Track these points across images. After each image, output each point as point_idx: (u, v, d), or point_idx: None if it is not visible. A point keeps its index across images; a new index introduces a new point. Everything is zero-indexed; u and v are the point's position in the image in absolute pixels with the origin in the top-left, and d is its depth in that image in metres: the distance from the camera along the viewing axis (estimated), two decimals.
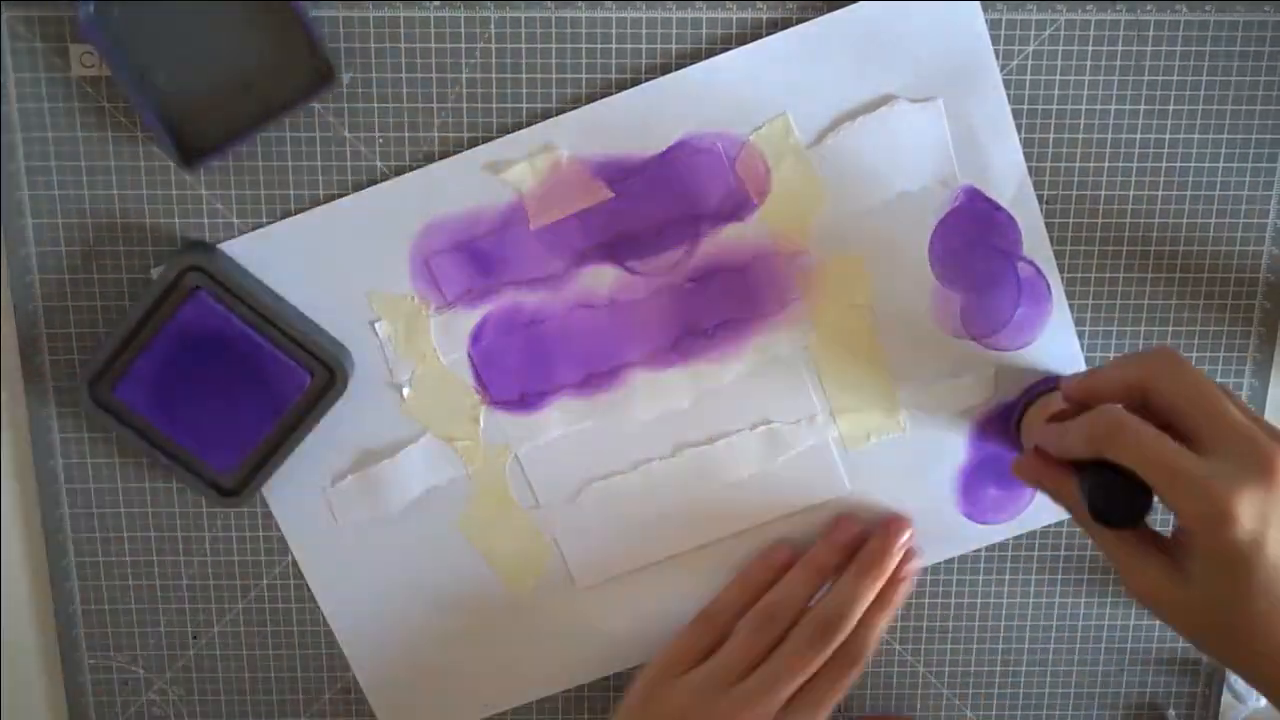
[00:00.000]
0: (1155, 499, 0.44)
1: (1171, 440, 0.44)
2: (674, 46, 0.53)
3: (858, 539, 0.58)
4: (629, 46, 0.53)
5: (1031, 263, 0.56)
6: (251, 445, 0.55)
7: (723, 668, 0.55)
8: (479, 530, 0.58)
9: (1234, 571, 0.43)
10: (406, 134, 0.54)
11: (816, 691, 0.54)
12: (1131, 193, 0.55)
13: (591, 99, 0.53)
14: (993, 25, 0.53)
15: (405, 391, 0.56)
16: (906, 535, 0.57)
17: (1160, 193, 0.55)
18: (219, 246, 0.54)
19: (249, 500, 0.56)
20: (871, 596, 0.56)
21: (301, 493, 0.57)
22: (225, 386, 0.54)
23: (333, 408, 0.54)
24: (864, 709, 0.62)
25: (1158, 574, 0.45)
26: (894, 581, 0.57)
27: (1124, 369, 0.47)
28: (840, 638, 0.54)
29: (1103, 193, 0.55)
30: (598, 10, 0.53)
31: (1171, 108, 0.54)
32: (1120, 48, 0.54)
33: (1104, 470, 0.45)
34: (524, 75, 0.53)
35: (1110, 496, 0.45)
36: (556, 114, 0.53)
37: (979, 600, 0.61)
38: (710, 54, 0.53)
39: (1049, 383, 0.56)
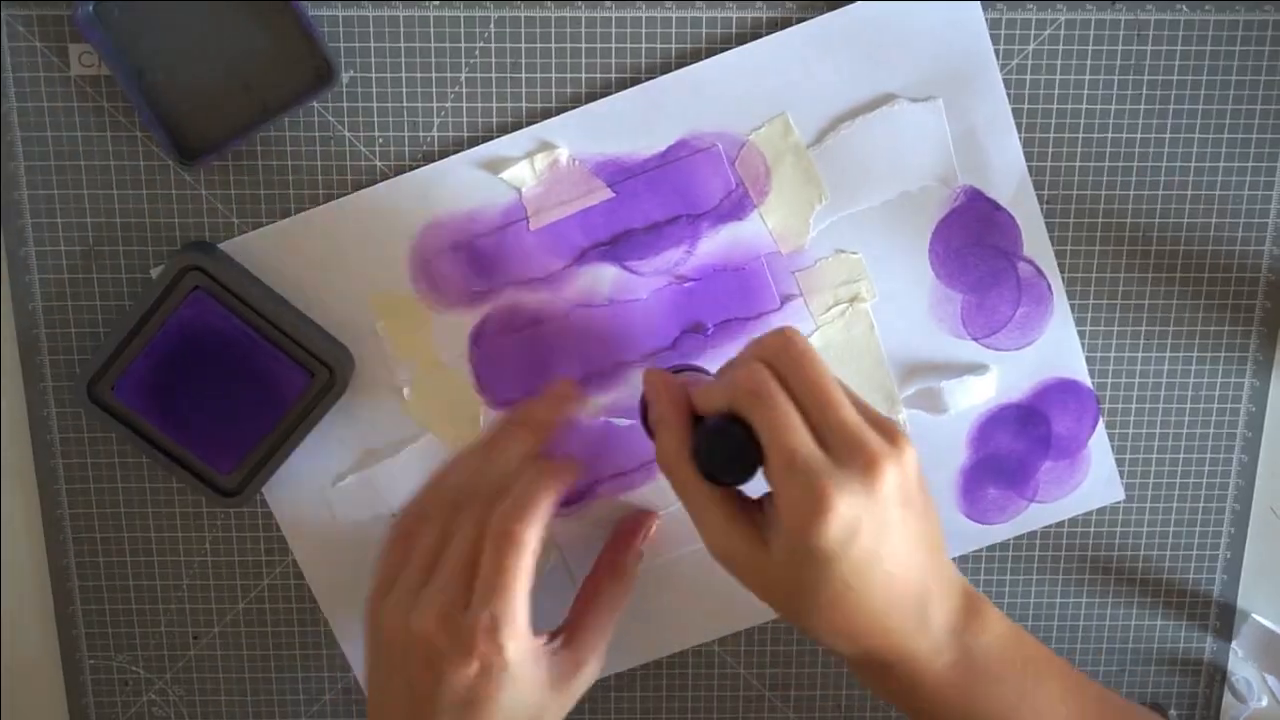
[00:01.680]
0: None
1: (804, 426, 0.44)
2: (674, 46, 0.53)
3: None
4: (629, 46, 0.53)
5: (1032, 262, 0.56)
6: (251, 445, 0.55)
7: (413, 573, 0.50)
8: None
9: (814, 561, 0.44)
10: (406, 133, 0.54)
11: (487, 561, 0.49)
12: (1132, 192, 0.55)
13: (591, 98, 0.53)
14: (993, 25, 0.53)
15: (405, 392, 0.56)
16: (561, 388, 0.54)
17: (1161, 192, 0.55)
18: (219, 246, 0.54)
19: (249, 500, 0.56)
20: (516, 448, 0.51)
21: (301, 493, 0.57)
22: (225, 386, 0.54)
23: (333, 408, 0.54)
24: (865, 709, 0.62)
25: (740, 538, 0.46)
26: (549, 405, 0.53)
27: (751, 352, 0.47)
28: (500, 498, 0.49)
29: (1103, 192, 0.55)
30: (597, 10, 0.53)
31: (1172, 107, 0.54)
32: (1120, 47, 0.54)
33: (725, 425, 0.45)
34: (524, 75, 0.53)
35: (722, 451, 0.45)
36: (556, 113, 0.53)
37: None
38: (710, 53, 0.53)
39: (686, 369, 0.55)
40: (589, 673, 0.52)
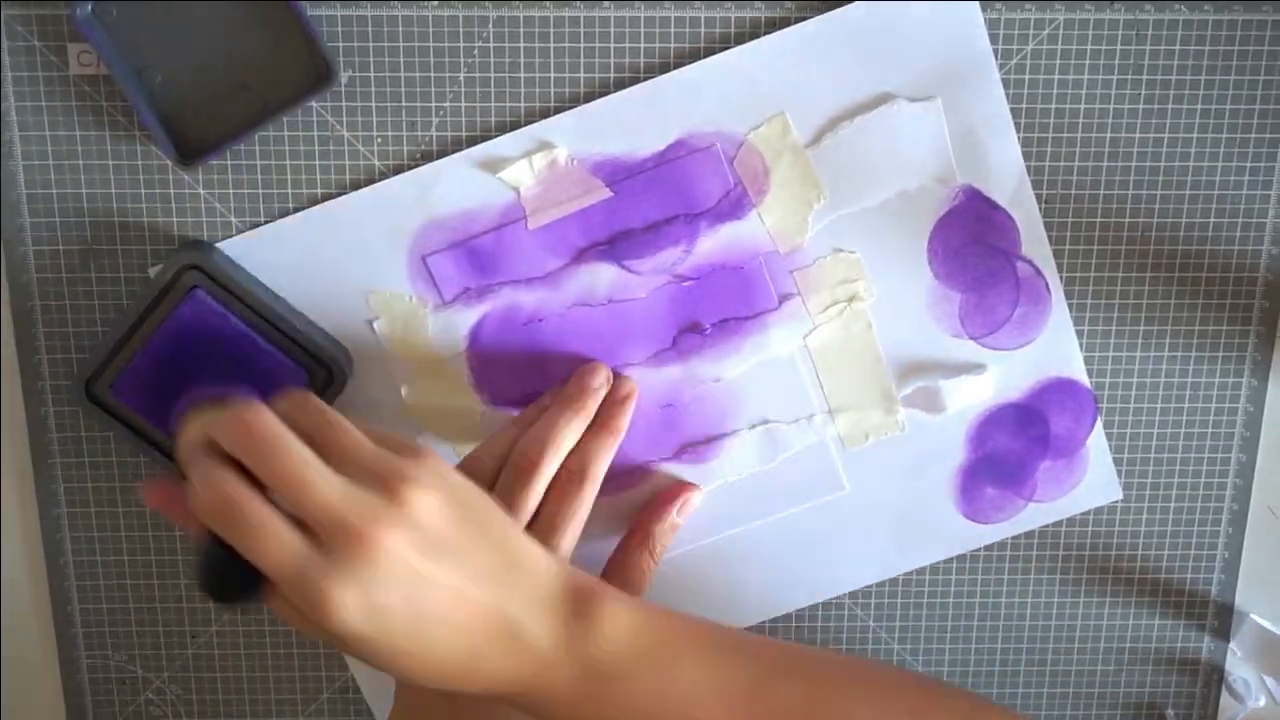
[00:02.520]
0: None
1: (283, 529, 0.41)
2: (672, 45, 0.53)
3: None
4: (628, 46, 0.53)
5: (1030, 262, 0.56)
6: None
7: None
8: None
9: (364, 644, 0.42)
10: (405, 133, 0.54)
11: (546, 520, 0.51)
12: (1130, 192, 0.55)
13: (590, 98, 0.53)
14: (992, 25, 0.53)
15: (403, 391, 0.56)
16: (602, 375, 0.55)
17: (1159, 192, 0.55)
18: (217, 245, 0.54)
19: None
20: (570, 423, 0.53)
21: None
22: (223, 386, 0.54)
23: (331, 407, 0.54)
24: None
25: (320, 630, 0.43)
26: (612, 404, 0.55)
27: (204, 450, 0.43)
28: (547, 463, 0.51)
29: (1102, 192, 0.55)
30: (596, 9, 0.53)
31: (1171, 107, 0.54)
32: (1119, 47, 0.54)
33: (219, 549, 0.41)
34: (522, 74, 0.53)
35: (221, 573, 0.42)
36: (555, 113, 0.53)
37: (979, 600, 0.61)
38: (709, 53, 0.53)
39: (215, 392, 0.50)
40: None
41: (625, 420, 0.55)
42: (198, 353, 0.53)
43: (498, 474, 0.52)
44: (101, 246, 0.54)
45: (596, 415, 0.54)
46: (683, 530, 0.58)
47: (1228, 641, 0.61)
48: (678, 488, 0.57)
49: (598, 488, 0.52)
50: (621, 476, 0.57)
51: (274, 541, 0.41)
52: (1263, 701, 0.62)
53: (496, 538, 0.45)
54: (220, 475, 0.42)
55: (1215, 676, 0.62)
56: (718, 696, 0.46)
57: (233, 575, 0.42)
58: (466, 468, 0.52)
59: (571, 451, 0.53)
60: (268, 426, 0.42)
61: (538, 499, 0.51)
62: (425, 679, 0.44)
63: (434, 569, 0.42)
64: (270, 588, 0.42)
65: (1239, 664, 0.62)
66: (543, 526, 0.51)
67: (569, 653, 0.45)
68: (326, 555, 0.41)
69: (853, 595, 0.60)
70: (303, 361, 0.54)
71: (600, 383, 0.55)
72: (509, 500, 0.50)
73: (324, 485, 0.41)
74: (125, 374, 0.54)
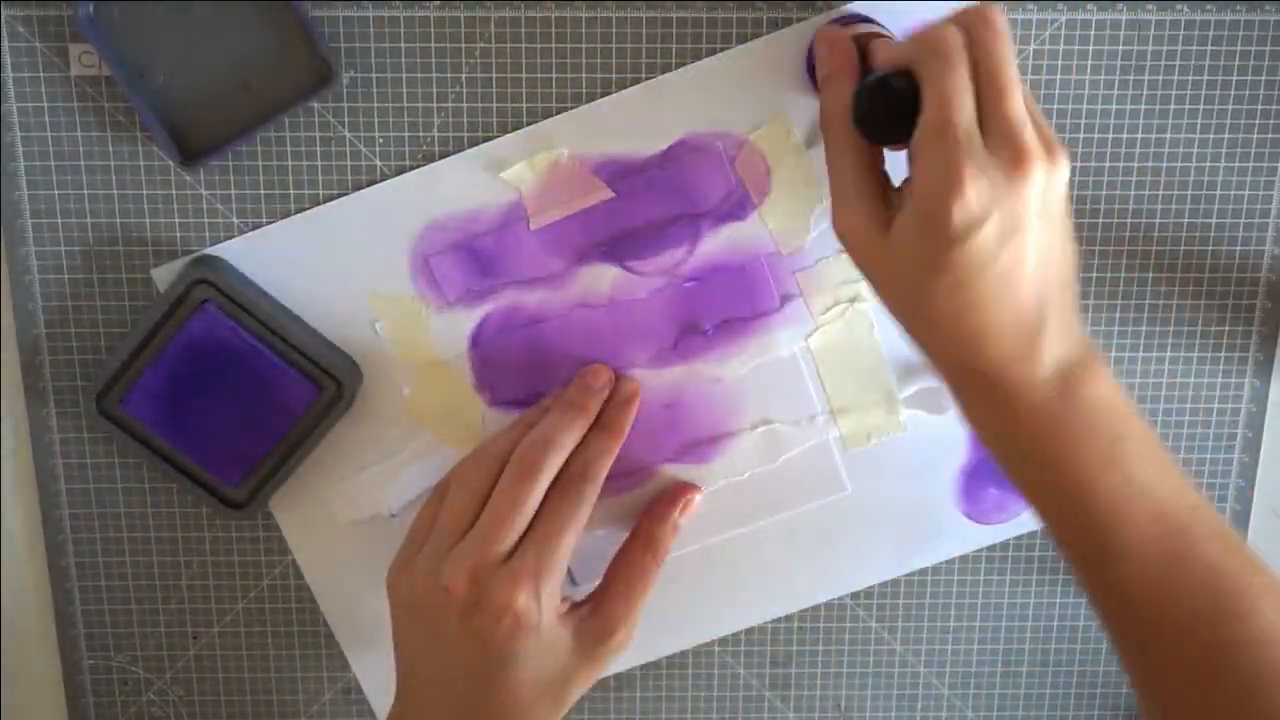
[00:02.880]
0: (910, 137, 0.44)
1: (971, 102, 0.43)
2: (674, 46, 0.53)
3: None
4: (629, 46, 0.53)
5: None
6: (258, 459, 0.55)
7: (444, 533, 0.51)
8: None
9: (933, 240, 0.43)
10: (406, 134, 0.54)
11: (547, 520, 0.51)
12: (1132, 192, 0.55)
13: (591, 98, 0.53)
14: None
15: (405, 391, 0.56)
16: (604, 377, 0.55)
17: (1161, 192, 0.55)
18: (222, 256, 0.54)
19: (256, 513, 0.56)
20: (573, 425, 0.53)
21: (301, 492, 0.57)
22: (233, 400, 0.54)
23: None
24: (865, 709, 0.62)
25: (868, 213, 0.45)
26: (614, 405, 0.55)
27: (949, 18, 0.45)
28: (548, 464, 0.51)
29: (1103, 192, 0.55)
30: (598, 10, 0.53)
31: (1172, 107, 0.54)
32: (1121, 47, 0.54)
33: (892, 81, 0.44)
34: (524, 75, 0.53)
35: (882, 106, 0.44)
36: (556, 113, 0.53)
37: (979, 600, 0.61)
38: (710, 53, 0.53)
39: (859, 20, 0.52)
40: (617, 642, 0.52)
41: (628, 422, 0.55)
42: (208, 366, 0.53)
43: (499, 474, 0.52)
44: (103, 247, 0.54)
45: (599, 416, 0.54)
46: (685, 531, 0.57)
47: None
48: (679, 489, 0.57)
49: (599, 488, 0.52)
50: (623, 477, 0.57)
51: (961, 105, 0.42)
52: None
53: (1071, 253, 0.46)
54: (953, 34, 0.43)
55: None
56: (1145, 498, 0.46)
57: (893, 110, 0.44)
58: (468, 467, 0.53)
59: (573, 452, 0.53)
60: (1005, 28, 0.43)
61: (538, 500, 0.51)
62: (933, 326, 0.45)
63: (1037, 227, 0.43)
64: (918, 142, 0.43)
65: None
66: (544, 528, 0.51)
67: (1062, 382, 0.45)
68: (987, 144, 0.42)
69: (855, 596, 0.60)
70: (312, 375, 0.54)
71: (603, 384, 0.55)
72: (509, 500, 0.50)
73: (1020, 103, 0.43)
74: (136, 388, 0.54)
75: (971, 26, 0.43)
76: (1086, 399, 0.45)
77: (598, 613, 0.52)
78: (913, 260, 0.44)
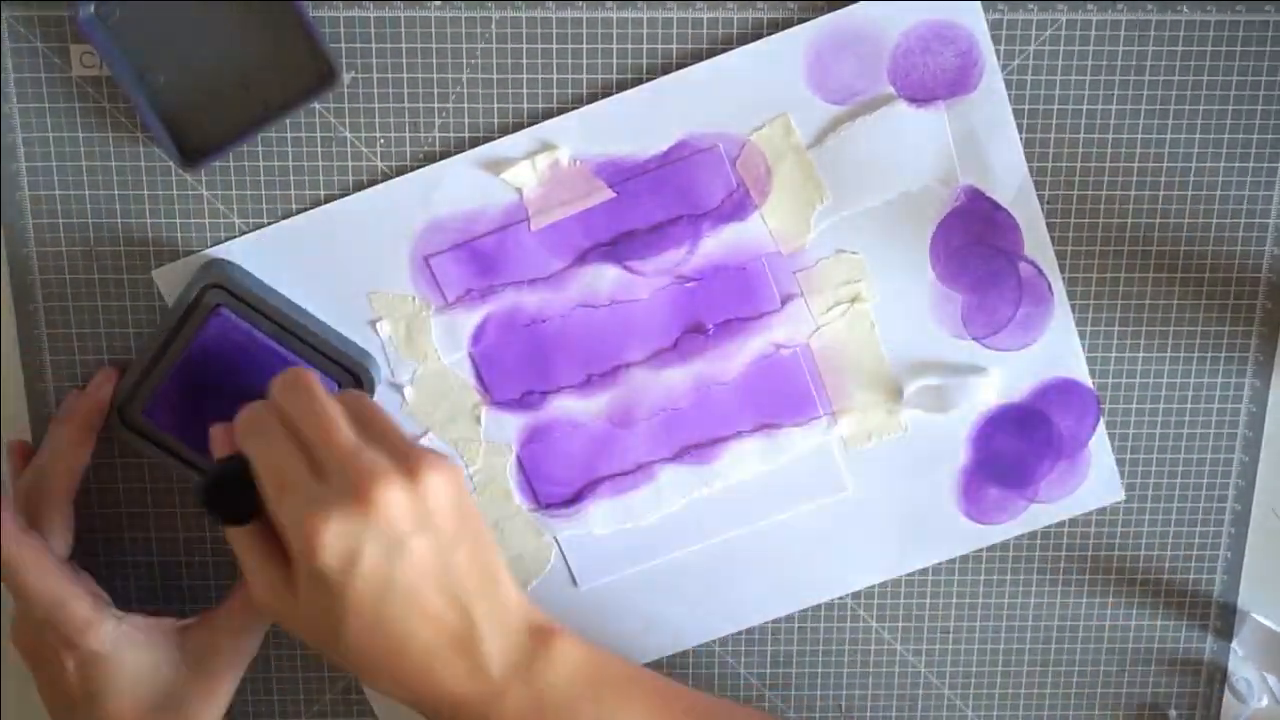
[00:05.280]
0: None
1: (300, 459, 0.44)
2: (674, 46, 0.53)
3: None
4: (629, 46, 0.53)
5: (1032, 263, 0.56)
6: None
7: None
8: None
9: (329, 592, 0.44)
10: (407, 134, 0.54)
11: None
12: (1133, 192, 0.55)
13: (592, 99, 0.53)
14: (993, 25, 0.53)
15: (407, 392, 0.56)
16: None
17: (1161, 192, 0.55)
18: (226, 258, 0.54)
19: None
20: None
21: None
22: (253, 400, 0.54)
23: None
24: (865, 709, 0.62)
25: (271, 583, 0.46)
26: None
27: (269, 391, 0.47)
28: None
29: (1104, 192, 0.55)
30: (598, 10, 0.53)
31: (1173, 107, 0.54)
32: (1121, 48, 0.54)
33: (233, 463, 0.46)
34: (524, 75, 0.53)
35: (223, 487, 0.46)
36: (557, 114, 0.53)
37: (979, 600, 0.61)
38: (711, 54, 0.53)
39: None
40: (229, 652, 0.53)
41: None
42: (226, 370, 0.53)
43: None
44: (104, 248, 0.55)
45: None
46: (686, 531, 0.58)
47: (1230, 642, 0.61)
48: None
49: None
50: (625, 477, 0.57)
51: (290, 459, 0.44)
52: (1265, 702, 0.62)
53: (483, 550, 0.46)
54: (261, 408, 0.46)
55: (1218, 677, 0.62)
56: None
57: (234, 491, 0.46)
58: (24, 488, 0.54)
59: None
60: (310, 380, 0.46)
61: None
62: (378, 668, 0.45)
63: (419, 542, 0.44)
64: (262, 515, 0.45)
65: (1241, 664, 0.62)
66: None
67: (520, 680, 0.46)
68: (328, 487, 0.43)
69: (855, 596, 0.60)
70: (330, 371, 0.54)
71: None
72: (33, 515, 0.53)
73: (347, 435, 0.45)
74: (157, 397, 0.54)
75: (278, 394, 0.46)
76: (553, 681, 0.46)
77: (204, 624, 0.54)
78: (323, 613, 0.44)
